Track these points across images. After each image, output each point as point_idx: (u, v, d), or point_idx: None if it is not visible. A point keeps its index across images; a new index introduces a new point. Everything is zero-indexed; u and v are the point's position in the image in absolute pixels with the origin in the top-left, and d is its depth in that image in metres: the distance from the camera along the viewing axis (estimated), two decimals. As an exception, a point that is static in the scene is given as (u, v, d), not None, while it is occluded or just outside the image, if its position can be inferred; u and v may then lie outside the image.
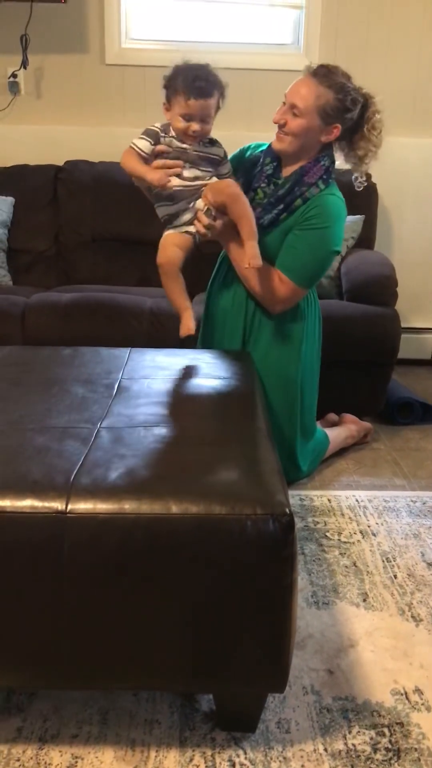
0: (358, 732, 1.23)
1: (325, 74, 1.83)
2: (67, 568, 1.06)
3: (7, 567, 1.07)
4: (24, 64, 2.96)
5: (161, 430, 1.32)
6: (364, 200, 2.87)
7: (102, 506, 1.07)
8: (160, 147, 1.80)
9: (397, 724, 1.25)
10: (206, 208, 1.78)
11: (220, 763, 1.17)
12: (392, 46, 3.04)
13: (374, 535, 1.86)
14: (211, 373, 1.69)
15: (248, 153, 2.03)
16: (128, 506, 1.06)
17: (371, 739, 1.22)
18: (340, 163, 1.99)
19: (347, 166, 2.02)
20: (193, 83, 1.75)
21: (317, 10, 2.98)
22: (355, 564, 1.72)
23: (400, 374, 2.83)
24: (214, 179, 1.83)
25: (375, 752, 1.19)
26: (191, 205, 1.80)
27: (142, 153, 1.80)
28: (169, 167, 1.77)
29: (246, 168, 1.98)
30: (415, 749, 1.20)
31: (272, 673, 1.13)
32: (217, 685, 1.17)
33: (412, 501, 2.05)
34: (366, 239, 2.93)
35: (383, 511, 1.98)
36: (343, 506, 2.00)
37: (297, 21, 3.05)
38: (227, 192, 1.78)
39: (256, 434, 1.35)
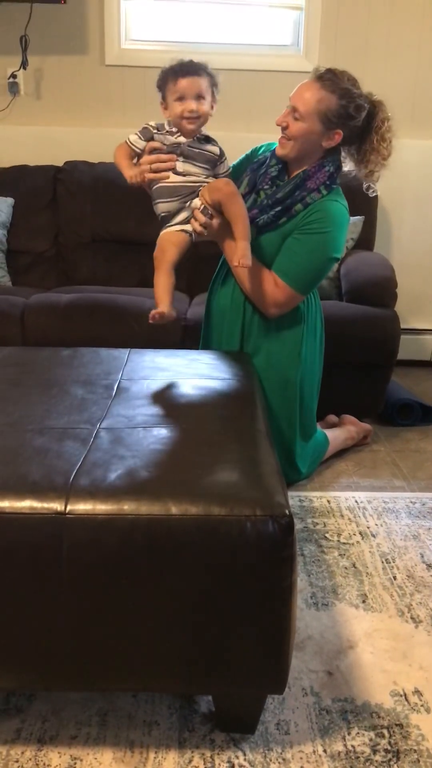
0: (358, 733, 1.23)
1: (330, 78, 1.81)
2: (67, 569, 1.06)
3: (7, 568, 1.07)
4: (24, 64, 2.96)
5: (160, 431, 1.32)
6: (363, 201, 2.87)
7: (101, 507, 1.06)
8: (152, 143, 1.81)
9: (396, 725, 1.25)
10: (203, 206, 1.79)
11: (219, 765, 1.17)
12: (392, 47, 3.04)
13: (374, 536, 1.86)
14: (210, 374, 1.69)
15: (260, 152, 2.03)
16: (127, 507, 1.06)
17: (370, 740, 1.22)
18: (348, 168, 1.97)
19: (349, 168, 2.01)
20: (179, 66, 1.81)
21: (317, 12, 2.98)
22: (354, 565, 1.72)
23: (399, 375, 2.83)
24: (212, 179, 1.83)
25: (374, 753, 1.19)
26: (188, 204, 1.81)
27: (134, 148, 1.82)
28: (162, 161, 1.79)
29: (253, 168, 1.98)
30: (415, 750, 1.20)
31: (271, 674, 1.13)
32: (217, 686, 1.17)
33: (411, 502, 2.05)
34: (365, 240, 2.93)
35: (383, 513, 1.98)
36: (342, 507, 2.00)
37: (297, 22, 3.06)
38: (224, 190, 1.79)
39: (255, 435, 1.35)
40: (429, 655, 1.43)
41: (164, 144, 1.81)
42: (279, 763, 1.18)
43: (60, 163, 2.96)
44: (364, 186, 1.98)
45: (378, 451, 2.40)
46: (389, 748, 1.20)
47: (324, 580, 1.66)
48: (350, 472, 2.25)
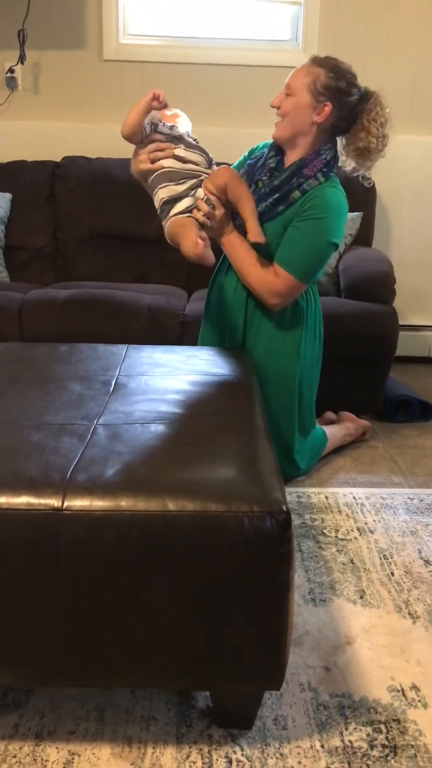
0: (355, 729, 1.24)
1: (322, 58, 1.88)
2: (64, 565, 1.06)
3: (4, 564, 1.07)
4: (21, 59, 2.95)
5: (158, 427, 1.32)
6: (362, 197, 2.87)
7: (98, 503, 1.06)
8: (153, 135, 1.82)
9: (393, 720, 1.26)
10: (205, 197, 1.79)
11: (217, 760, 1.17)
12: (391, 42, 3.04)
13: (371, 532, 1.86)
14: (208, 370, 1.69)
15: (257, 150, 2.04)
16: (125, 503, 1.06)
17: (368, 735, 1.22)
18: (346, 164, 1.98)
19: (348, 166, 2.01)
20: None
21: (316, 6, 2.97)
22: (352, 561, 1.72)
23: (398, 371, 2.84)
24: (215, 167, 1.84)
25: (371, 749, 1.20)
26: (193, 192, 1.80)
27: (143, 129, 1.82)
28: (162, 149, 1.80)
29: (251, 164, 1.99)
30: (412, 746, 1.20)
31: (269, 670, 1.13)
32: (214, 682, 1.17)
33: (409, 498, 2.05)
34: (364, 236, 2.93)
35: (380, 509, 1.98)
36: (340, 503, 2.00)
37: (295, 17, 3.05)
38: (227, 174, 1.80)
39: (253, 432, 1.34)
40: (426, 650, 1.43)
41: (164, 134, 1.83)
42: (276, 758, 1.18)
43: (58, 159, 2.95)
44: (360, 175, 1.98)
45: (376, 447, 2.41)
46: (386, 743, 1.21)
47: (322, 576, 1.66)
48: (348, 468, 2.25)
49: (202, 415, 1.40)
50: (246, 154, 2.07)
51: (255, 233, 1.76)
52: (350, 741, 1.21)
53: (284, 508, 1.07)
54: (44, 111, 3.06)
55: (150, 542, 1.06)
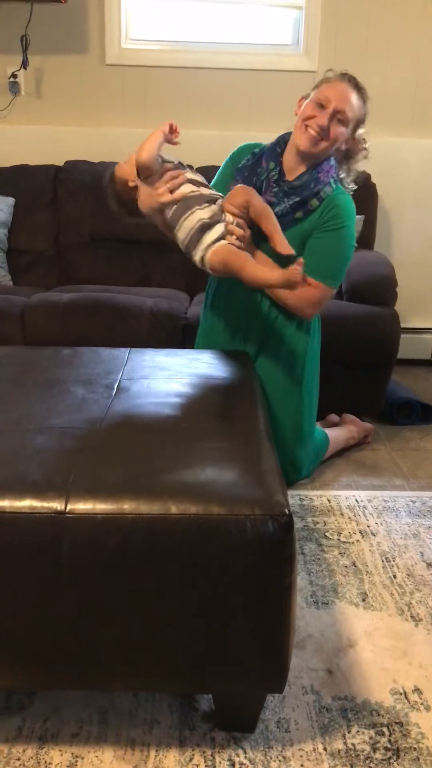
0: (358, 731, 1.24)
1: (361, 88, 1.88)
2: (67, 568, 1.06)
3: (7, 567, 1.07)
4: (24, 64, 2.96)
5: (160, 431, 1.32)
6: (363, 201, 2.87)
7: (101, 506, 1.07)
8: (165, 165, 1.79)
9: (396, 723, 1.26)
10: (234, 220, 1.76)
11: (220, 763, 1.17)
12: (392, 46, 3.04)
13: (374, 535, 1.86)
14: (210, 373, 1.69)
15: (243, 158, 1.97)
16: (127, 506, 1.07)
17: (370, 738, 1.22)
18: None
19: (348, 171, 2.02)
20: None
21: (317, 11, 2.98)
22: (354, 564, 1.72)
23: (399, 374, 2.84)
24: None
25: (374, 752, 1.20)
26: (223, 217, 1.76)
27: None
28: (175, 177, 1.76)
29: (244, 175, 1.94)
30: (414, 749, 1.20)
31: (271, 673, 1.13)
32: (217, 685, 1.17)
33: (411, 501, 2.05)
34: (366, 239, 2.93)
35: (383, 511, 1.98)
36: (342, 506, 2.00)
37: (297, 21, 3.06)
38: (246, 192, 1.78)
39: (255, 434, 1.35)
40: (429, 653, 1.43)
41: (170, 162, 1.81)
42: (279, 761, 1.18)
43: (60, 163, 2.96)
44: (351, 180, 2.01)
45: (378, 450, 2.41)
46: (389, 746, 1.21)
47: (324, 579, 1.66)
48: (350, 471, 2.25)
49: (205, 419, 1.41)
50: (227, 160, 2.02)
51: (284, 246, 1.74)
52: (353, 744, 1.21)
53: (286, 511, 1.07)
54: (47, 115, 3.07)
55: (152, 545, 1.06)
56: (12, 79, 3.00)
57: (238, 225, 1.76)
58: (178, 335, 2.35)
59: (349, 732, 1.23)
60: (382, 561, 1.74)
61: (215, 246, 1.74)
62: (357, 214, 2.59)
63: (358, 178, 2.00)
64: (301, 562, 1.72)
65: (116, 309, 2.40)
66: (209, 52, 3.03)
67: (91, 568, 1.07)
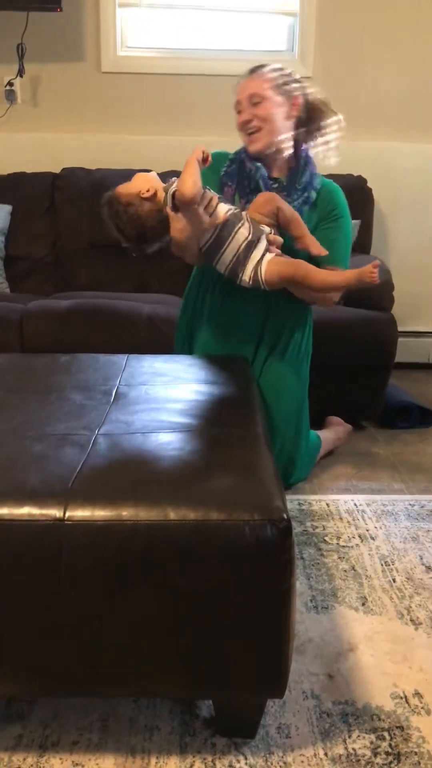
0: (359, 736, 1.23)
1: (254, 68, 1.90)
2: (66, 575, 1.06)
3: (6, 574, 1.07)
4: (20, 72, 2.97)
5: (158, 437, 1.32)
6: (360, 205, 2.89)
7: (100, 513, 1.07)
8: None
9: (397, 727, 1.26)
10: (271, 230, 1.78)
11: (221, 769, 1.17)
12: (386, 51, 3.06)
13: (373, 539, 1.86)
14: (208, 378, 1.69)
15: (221, 165, 1.97)
16: (126, 513, 1.07)
17: (371, 743, 1.22)
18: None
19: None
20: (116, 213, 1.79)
21: (312, 17, 3.00)
22: (353, 568, 1.72)
23: (397, 378, 2.84)
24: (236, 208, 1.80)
25: (375, 756, 1.20)
26: (260, 229, 1.76)
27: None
28: (209, 199, 1.74)
29: (235, 181, 1.94)
30: (415, 753, 1.20)
31: (271, 678, 1.13)
32: (216, 691, 1.17)
33: (410, 504, 2.05)
34: (362, 244, 2.94)
35: (382, 515, 1.98)
36: (341, 510, 2.00)
37: (291, 28, 3.07)
38: (274, 198, 1.80)
39: (253, 439, 1.35)
40: (429, 657, 1.43)
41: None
42: (280, 766, 1.18)
43: (57, 170, 2.97)
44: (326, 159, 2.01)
45: (377, 453, 2.41)
46: (390, 750, 1.21)
47: (323, 583, 1.66)
48: (349, 475, 2.25)
49: (203, 424, 1.41)
50: (203, 170, 1.96)
51: (317, 246, 1.77)
52: (354, 749, 1.21)
53: (285, 516, 1.07)
54: (43, 123, 3.09)
55: (151, 551, 1.06)
56: (8, 87, 3.02)
57: (276, 232, 1.79)
58: (176, 341, 2.36)
59: (350, 737, 1.23)
60: (382, 565, 1.74)
61: (266, 259, 1.75)
62: (353, 218, 2.62)
63: (338, 146, 1.98)
64: (301, 567, 1.72)
65: (114, 315, 2.40)
66: (205, 59, 3.05)
67: (91, 575, 1.07)
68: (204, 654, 1.11)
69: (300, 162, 1.93)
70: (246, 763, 1.18)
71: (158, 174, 1.83)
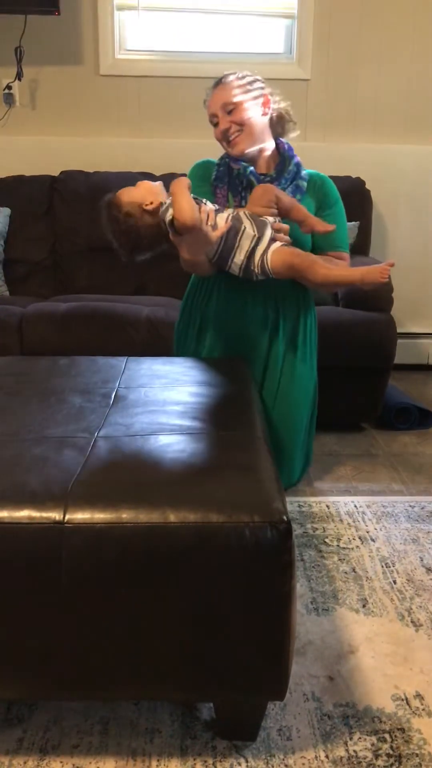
0: (360, 738, 1.23)
1: (217, 81, 1.95)
2: (66, 578, 1.06)
3: (5, 577, 1.07)
4: (19, 75, 2.98)
5: (158, 439, 1.32)
6: (358, 207, 2.89)
7: (100, 516, 1.07)
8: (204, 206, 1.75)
9: (398, 729, 1.25)
10: (274, 219, 1.78)
11: (222, 772, 1.17)
12: (384, 54, 3.07)
13: (373, 540, 1.86)
14: (207, 381, 1.69)
15: (210, 172, 1.98)
16: (126, 515, 1.07)
17: (372, 745, 1.22)
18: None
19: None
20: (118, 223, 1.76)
21: (309, 19, 3.01)
22: (354, 570, 1.72)
23: (396, 379, 2.84)
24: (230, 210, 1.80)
25: (376, 758, 1.19)
26: (263, 220, 1.77)
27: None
28: (207, 213, 1.73)
29: (226, 183, 1.95)
30: (416, 755, 1.20)
31: (272, 680, 1.13)
32: (217, 693, 1.17)
33: (410, 506, 2.05)
34: (361, 245, 2.95)
35: (382, 517, 1.98)
36: (341, 512, 2.00)
37: (289, 30, 3.08)
38: (271, 188, 1.81)
39: (253, 441, 1.35)
40: (430, 658, 1.43)
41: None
42: (281, 769, 1.18)
43: (56, 173, 2.98)
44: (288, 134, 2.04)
45: (376, 455, 2.41)
46: (391, 752, 1.21)
47: (324, 585, 1.66)
48: (349, 476, 2.25)
49: (202, 426, 1.41)
50: (195, 180, 1.91)
51: (323, 224, 1.79)
52: (355, 751, 1.21)
53: (285, 518, 1.07)
54: (42, 126, 3.09)
55: (152, 554, 1.06)
56: (7, 91, 3.02)
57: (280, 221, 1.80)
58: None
59: (350, 739, 1.23)
60: (382, 566, 1.74)
61: (271, 249, 1.76)
62: (352, 219, 2.64)
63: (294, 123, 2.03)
64: (301, 569, 1.72)
65: (113, 318, 2.40)
66: (202, 62, 3.06)
67: (91, 578, 1.07)
68: (204, 656, 1.11)
69: (284, 154, 1.96)
70: (247, 766, 1.18)
71: (158, 176, 1.84)
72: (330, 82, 3.07)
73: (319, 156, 2.81)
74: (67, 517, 1.06)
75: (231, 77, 1.92)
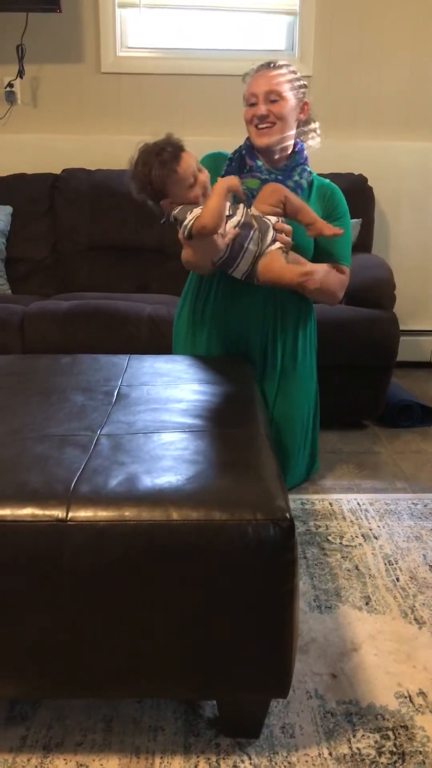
0: (363, 736, 1.23)
1: (275, 64, 1.90)
2: (68, 576, 1.06)
3: (8, 575, 1.07)
4: (20, 73, 2.98)
5: (160, 437, 1.32)
6: (360, 204, 2.89)
7: (102, 514, 1.07)
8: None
9: (401, 727, 1.25)
10: (277, 219, 1.78)
11: (225, 769, 1.17)
12: (386, 51, 3.06)
13: (376, 538, 1.86)
14: (210, 378, 1.69)
15: (220, 165, 1.98)
16: (128, 513, 1.07)
17: (376, 742, 1.22)
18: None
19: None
20: (164, 157, 1.71)
21: (311, 16, 3.00)
22: (357, 567, 1.72)
23: (399, 377, 2.84)
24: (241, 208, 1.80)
25: (380, 756, 1.19)
26: (272, 222, 1.77)
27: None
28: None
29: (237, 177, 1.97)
30: (420, 752, 1.20)
31: (275, 678, 1.13)
32: (220, 691, 1.17)
33: (413, 503, 2.05)
34: (363, 243, 2.94)
35: (385, 514, 1.98)
36: (344, 510, 2.00)
37: (291, 27, 3.07)
38: (281, 187, 1.80)
39: (256, 439, 1.35)
40: (433, 656, 1.43)
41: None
42: (285, 766, 1.18)
43: (58, 171, 2.98)
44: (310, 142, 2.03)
45: (379, 452, 2.41)
46: (395, 750, 1.20)
47: (327, 583, 1.66)
48: (351, 474, 2.25)
49: (205, 424, 1.41)
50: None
51: (330, 228, 1.78)
52: (358, 748, 1.21)
53: (288, 515, 1.07)
54: (43, 124, 3.09)
55: (154, 552, 1.06)
56: (8, 89, 3.02)
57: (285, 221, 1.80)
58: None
59: (354, 736, 1.23)
60: (385, 564, 1.74)
61: (267, 251, 1.76)
62: (354, 217, 2.64)
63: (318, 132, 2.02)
64: (304, 567, 1.72)
65: (115, 316, 2.40)
66: (204, 59, 3.05)
67: (93, 576, 1.07)
68: (207, 654, 1.11)
69: (294, 154, 1.95)
70: (250, 763, 1.18)
71: None
72: (332, 79, 3.07)
73: (321, 153, 2.79)
74: (70, 515, 1.06)
75: (284, 69, 1.90)
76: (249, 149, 1.93)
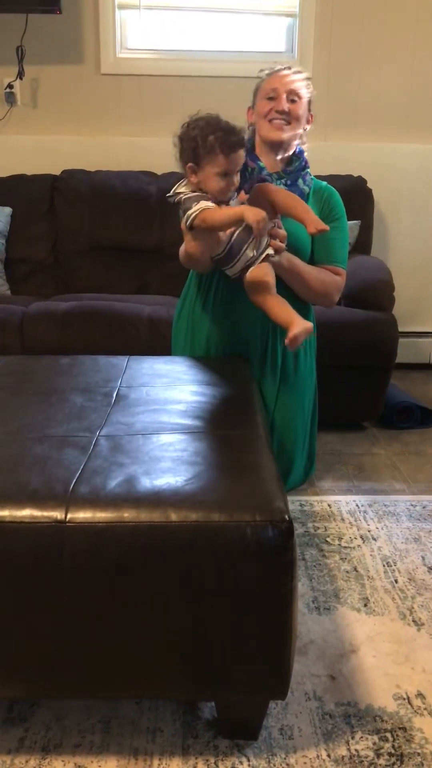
0: (361, 737, 1.23)
1: (297, 70, 1.97)
2: (67, 577, 1.06)
3: (6, 576, 1.07)
4: (20, 74, 2.98)
5: (160, 438, 1.32)
6: (360, 206, 2.89)
7: (101, 515, 1.07)
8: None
9: (399, 728, 1.25)
10: (272, 223, 1.76)
11: (223, 771, 1.17)
12: (385, 53, 3.06)
13: (374, 539, 1.86)
14: (209, 380, 1.69)
15: None
16: (127, 514, 1.07)
17: (374, 744, 1.22)
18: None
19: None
20: (229, 138, 1.69)
21: (311, 18, 3.00)
22: (355, 569, 1.72)
23: (398, 378, 2.84)
24: (234, 201, 1.79)
25: (378, 757, 1.19)
26: (270, 225, 1.75)
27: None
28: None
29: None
30: (418, 754, 1.20)
31: (273, 679, 1.13)
32: (219, 692, 1.17)
33: (412, 505, 2.05)
34: (362, 244, 2.94)
35: (383, 516, 1.98)
36: (343, 511, 2.00)
37: (291, 29, 3.08)
38: (258, 190, 1.79)
39: (254, 441, 1.35)
40: (431, 658, 1.43)
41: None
42: (283, 768, 1.18)
43: (57, 172, 2.98)
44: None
45: (378, 454, 2.41)
46: (393, 751, 1.20)
47: (325, 585, 1.66)
48: (350, 475, 2.25)
49: (204, 425, 1.41)
50: None
51: (320, 223, 1.72)
52: (356, 750, 1.21)
53: (286, 517, 1.07)
54: (43, 125, 3.09)
55: (153, 553, 1.06)
56: (8, 90, 3.02)
57: (276, 226, 1.80)
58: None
59: (352, 738, 1.23)
60: (384, 566, 1.74)
61: (257, 266, 1.75)
62: (353, 219, 2.64)
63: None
64: (302, 568, 1.72)
65: (115, 317, 2.40)
66: (204, 61, 3.05)
67: (92, 577, 1.07)
68: (206, 655, 1.11)
69: (296, 158, 1.97)
70: (249, 765, 1.18)
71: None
72: (331, 81, 3.07)
73: (321, 155, 2.80)
74: (69, 516, 1.07)
75: (304, 74, 1.97)
76: (250, 151, 1.93)
